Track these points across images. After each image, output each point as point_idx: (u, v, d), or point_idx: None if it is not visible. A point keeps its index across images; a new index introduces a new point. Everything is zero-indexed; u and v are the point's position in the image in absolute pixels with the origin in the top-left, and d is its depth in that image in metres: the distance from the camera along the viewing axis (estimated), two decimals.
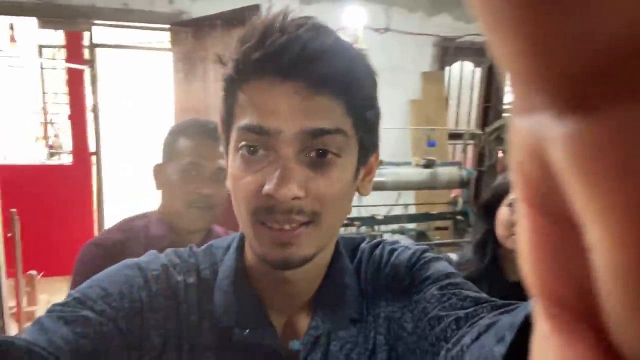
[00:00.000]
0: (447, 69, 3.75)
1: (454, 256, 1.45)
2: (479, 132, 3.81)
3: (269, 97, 0.44)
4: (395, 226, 2.91)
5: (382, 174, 2.56)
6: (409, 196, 3.23)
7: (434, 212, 2.99)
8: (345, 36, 0.51)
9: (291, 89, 0.43)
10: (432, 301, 0.49)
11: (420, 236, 2.85)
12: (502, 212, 1.18)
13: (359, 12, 2.99)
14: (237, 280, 0.51)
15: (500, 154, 3.57)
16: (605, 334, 0.08)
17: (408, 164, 2.70)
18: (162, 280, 0.50)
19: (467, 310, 0.45)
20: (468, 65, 3.83)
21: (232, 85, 0.47)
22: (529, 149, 0.09)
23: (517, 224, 0.10)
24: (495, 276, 1.22)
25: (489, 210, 1.23)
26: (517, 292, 0.55)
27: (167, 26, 2.95)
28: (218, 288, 0.52)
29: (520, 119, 0.09)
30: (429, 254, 0.56)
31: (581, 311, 0.09)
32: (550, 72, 0.07)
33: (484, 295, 0.48)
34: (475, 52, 3.71)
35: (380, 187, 2.60)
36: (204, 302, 0.51)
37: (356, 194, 0.53)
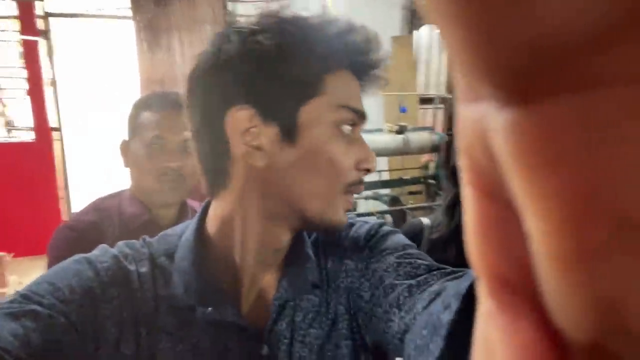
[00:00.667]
0: (415, 32, 3.73)
1: (426, 220, 1.48)
2: (448, 96, 3.84)
3: (356, 87, 0.54)
4: (369, 192, 2.95)
5: None
6: (382, 162, 3.26)
7: (407, 177, 3.04)
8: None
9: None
10: (388, 270, 0.51)
11: (394, 201, 2.90)
12: None
13: None
14: (197, 260, 0.51)
15: None
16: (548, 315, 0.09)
17: (380, 130, 2.71)
18: (114, 270, 0.50)
19: (419, 278, 0.47)
20: (436, 28, 3.82)
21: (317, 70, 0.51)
22: (475, 136, 0.09)
23: (464, 205, 0.10)
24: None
25: (457, 172, 1.25)
26: None
27: None
28: (176, 271, 0.52)
29: (466, 106, 0.09)
30: (387, 228, 0.59)
31: (525, 293, 0.09)
32: (493, 64, 0.08)
33: (435, 263, 0.51)
34: None
35: None
36: (160, 288, 0.51)
37: None
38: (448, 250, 1.20)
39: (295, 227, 0.53)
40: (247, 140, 0.49)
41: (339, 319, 0.54)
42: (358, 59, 0.53)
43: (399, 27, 3.58)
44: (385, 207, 2.77)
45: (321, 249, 0.58)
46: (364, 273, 0.54)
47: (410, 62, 3.56)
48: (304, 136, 0.49)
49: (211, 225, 0.53)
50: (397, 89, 3.40)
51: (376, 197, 3.03)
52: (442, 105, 3.97)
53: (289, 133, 0.49)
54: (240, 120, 0.48)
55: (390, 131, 2.64)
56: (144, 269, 0.52)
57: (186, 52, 2.70)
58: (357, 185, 0.51)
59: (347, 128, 0.51)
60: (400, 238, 0.56)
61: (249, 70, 0.48)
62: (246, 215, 0.51)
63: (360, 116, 0.52)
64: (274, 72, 0.48)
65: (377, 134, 2.66)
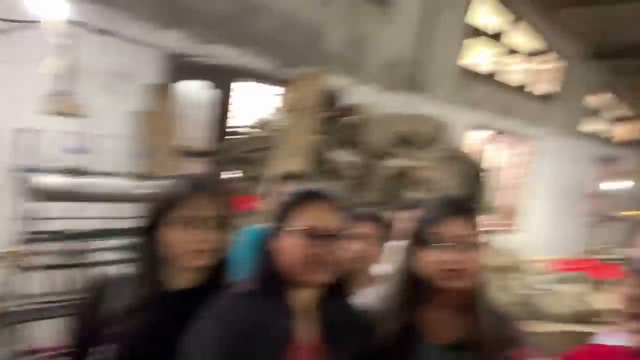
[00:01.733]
0: (178, 84, 3.74)
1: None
2: (210, 150, 3.90)
3: None
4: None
5: (98, 185, 2.36)
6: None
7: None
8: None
9: None
10: None
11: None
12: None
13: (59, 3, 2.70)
14: None
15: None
16: None
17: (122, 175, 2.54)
18: None
19: None
20: (200, 84, 3.91)
21: None
22: None
23: None
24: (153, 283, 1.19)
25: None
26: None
27: None
28: None
29: None
30: None
31: None
32: None
33: None
34: (207, 72, 3.81)
35: (97, 198, 2.38)
36: None
37: None
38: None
39: None
40: None
41: None
42: None
43: (158, 76, 3.54)
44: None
45: None
46: None
47: (170, 111, 3.51)
48: None
49: None
50: (150, 136, 3.28)
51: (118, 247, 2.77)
52: (205, 158, 4.00)
53: None
54: None
55: (132, 177, 2.50)
56: None
57: None
58: None
59: None
60: None
61: None
62: None
63: None
64: None
65: (119, 178, 2.48)
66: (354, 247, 1.70)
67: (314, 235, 1.05)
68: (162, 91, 3.46)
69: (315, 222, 1.06)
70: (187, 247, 1.13)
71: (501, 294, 4.02)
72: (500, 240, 5.16)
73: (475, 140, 6.65)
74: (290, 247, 1.05)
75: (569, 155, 8.16)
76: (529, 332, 3.46)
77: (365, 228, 1.73)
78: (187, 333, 1.04)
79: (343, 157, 3.47)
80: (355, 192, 3.61)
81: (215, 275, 1.20)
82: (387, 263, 2.04)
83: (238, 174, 3.51)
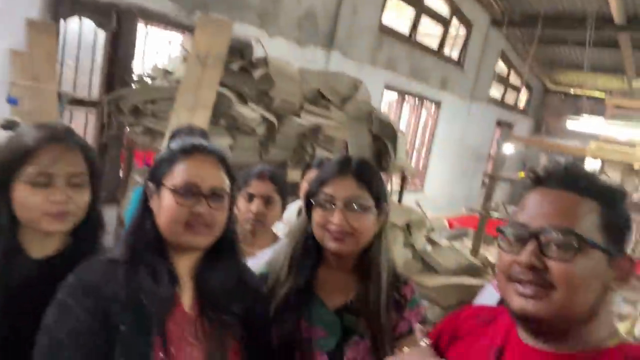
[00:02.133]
0: (62, 21, 3.26)
1: None
2: (100, 99, 3.51)
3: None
4: None
5: None
6: None
7: None
8: None
9: None
10: None
11: None
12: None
13: None
14: None
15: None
16: None
17: None
18: None
19: None
20: (89, 24, 3.45)
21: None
22: None
23: None
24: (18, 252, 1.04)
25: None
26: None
27: None
28: None
29: None
30: None
31: None
32: None
33: None
34: (97, 11, 3.36)
35: None
36: None
37: None
38: None
39: None
40: None
41: None
42: None
43: (37, 11, 3.05)
44: None
45: None
46: None
47: (50, 53, 3.06)
48: None
49: None
50: (30, 79, 2.85)
51: None
52: (94, 109, 3.60)
53: None
54: None
55: None
56: None
57: None
58: None
59: None
60: None
61: None
62: None
63: None
64: None
65: None
66: (253, 207, 1.62)
67: (189, 193, 0.95)
68: (43, 28, 3.00)
69: (192, 179, 0.96)
70: (41, 208, 0.99)
71: (406, 250, 4.20)
72: (406, 199, 5.36)
73: (387, 101, 6.74)
74: (165, 206, 0.96)
75: (472, 118, 8.62)
76: (425, 286, 3.68)
77: (265, 187, 1.65)
78: (49, 307, 0.90)
79: (251, 112, 3.29)
80: (264, 149, 3.47)
81: (83, 241, 1.08)
82: (288, 223, 1.98)
83: (133, 126, 3.19)
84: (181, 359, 0.92)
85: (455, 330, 0.92)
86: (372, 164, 1.24)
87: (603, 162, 8.53)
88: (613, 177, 7.78)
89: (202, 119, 2.97)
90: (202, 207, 0.95)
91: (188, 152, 0.99)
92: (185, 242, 0.96)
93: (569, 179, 0.76)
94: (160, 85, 3.34)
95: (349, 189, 1.13)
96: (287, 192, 1.75)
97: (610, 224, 0.73)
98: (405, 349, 0.91)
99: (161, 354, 0.90)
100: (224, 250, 1.05)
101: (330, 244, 1.13)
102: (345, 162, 1.17)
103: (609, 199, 0.74)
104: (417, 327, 0.97)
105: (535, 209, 0.75)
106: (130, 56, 3.66)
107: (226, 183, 1.01)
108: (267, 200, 1.63)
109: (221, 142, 3.12)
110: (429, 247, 4.67)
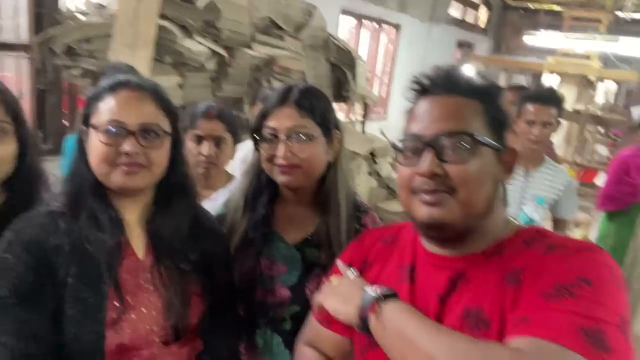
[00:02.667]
0: None
1: None
2: (29, 43, 3.21)
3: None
4: None
5: None
6: None
7: None
8: None
9: None
10: None
11: None
12: None
13: None
14: None
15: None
16: None
17: None
18: None
19: None
20: None
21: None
22: None
23: None
24: None
25: None
26: None
27: None
28: None
29: None
30: None
31: None
32: None
33: None
34: None
35: None
36: None
37: None
38: None
39: None
40: None
41: None
42: None
43: None
44: None
45: None
46: None
47: None
48: None
49: None
50: None
51: None
52: (25, 53, 3.30)
53: None
54: None
55: None
56: None
57: None
58: None
59: None
60: None
61: None
62: None
63: None
64: None
65: None
66: (204, 150, 1.54)
67: (115, 131, 0.89)
68: None
69: (116, 116, 0.89)
70: None
71: (371, 178, 4.22)
72: (370, 127, 5.33)
73: (343, 27, 6.49)
74: (92, 147, 0.91)
75: (433, 41, 8.48)
76: (392, 212, 3.75)
77: (214, 127, 1.56)
78: None
79: (198, 46, 3.08)
80: (216, 86, 3.30)
81: (17, 195, 1.02)
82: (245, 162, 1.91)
83: (70, 69, 2.95)
84: (139, 307, 0.91)
85: (364, 257, 0.92)
86: (317, 90, 1.17)
87: (561, 76, 8.63)
88: (570, 90, 7.93)
89: (144, 56, 2.76)
90: (128, 145, 0.88)
91: (113, 88, 0.92)
92: (117, 184, 0.90)
93: (452, 83, 0.77)
94: (94, 22, 3.05)
95: (291, 119, 1.08)
96: (238, 128, 1.67)
97: (493, 120, 0.76)
98: (334, 281, 0.90)
99: (116, 303, 0.87)
100: (175, 194, 1.00)
101: (279, 178, 1.09)
102: (285, 91, 1.11)
103: (490, 97, 0.77)
104: (338, 262, 0.96)
105: (426, 117, 0.76)
106: None
107: (161, 119, 0.94)
108: (217, 141, 1.55)
109: (169, 80, 2.94)
110: (394, 174, 4.72)
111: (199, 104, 1.61)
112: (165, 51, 2.98)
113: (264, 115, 1.11)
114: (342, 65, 4.32)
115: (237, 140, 1.65)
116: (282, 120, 1.08)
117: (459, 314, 0.74)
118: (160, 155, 0.94)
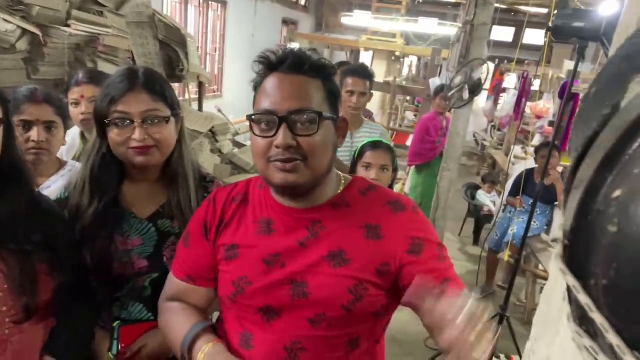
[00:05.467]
0: None
1: None
2: None
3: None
4: None
5: None
6: None
7: None
8: None
9: None
10: None
11: None
12: None
13: None
14: None
15: None
16: None
17: None
18: None
19: None
20: None
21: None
22: None
23: None
24: None
25: None
26: None
27: None
28: None
29: None
30: None
31: None
32: None
33: None
34: None
35: None
36: None
37: None
38: None
39: None
40: None
41: None
42: None
43: None
44: None
45: None
46: None
47: None
48: None
49: None
50: None
51: None
52: None
53: None
54: None
55: None
56: None
57: None
58: None
59: None
60: None
61: None
62: None
63: None
64: None
65: None
66: (34, 136, 1.45)
67: None
68: None
69: None
70: None
71: (214, 156, 4.30)
72: (206, 106, 5.34)
73: (167, 4, 6.26)
74: None
75: (260, 18, 8.68)
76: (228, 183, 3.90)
77: (43, 112, 1.46)
78: None
79: (5, 24, 2.74)
80: (32, 68, 2.98)
81: None
82: (72, 147, 1.86)
83: None
84: None
85: (220, 218, 1.01)
86: (157, 72, 1.22)
87: (373, 52, 9.69)
88: (381, 64, 8.98)
89: None
90: None
91: None
92: None
93: (298, 64, 0.88)
94: None
95: (144, 103, 1.12)
96: (67, 112, 1.61)
97: (330, 94, 0.91)
98: None
99: None
100: (9, 178, 0.99)
101: (137, 159, 1.14)
102: (132, 76, 1.14)
103: (327, 75, 0.91)
104: (193, 224, 1.06)
105: (277, 94, 0.87)
106: None
107: None
108: (48, 126, 1.46)
109: None
110: (236, 150, 4.86)
111: (19, 88, 1.49)
112: None
113: (111, 101, 1.12)
114: (171, 44, 4.23)
115: (66, 124, 1.59)
116: (134, 105, 1.11)
117: (323, 254, 0.90)
118: None
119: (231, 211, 1.00)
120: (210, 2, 7.36)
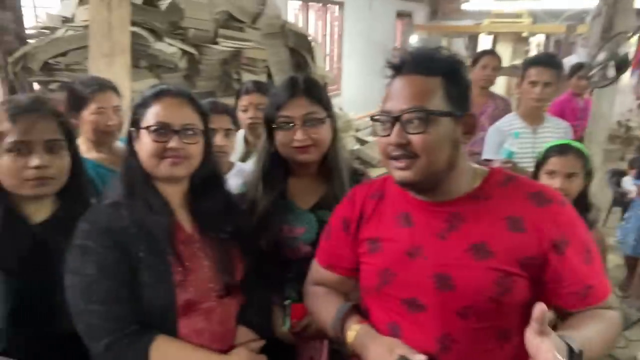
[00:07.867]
0: None
1: None
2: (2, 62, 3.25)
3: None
4: None
5: None
6: None
7: None
8: None
9: None
10: None
11: None
12: None
13: None
14: None
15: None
16: None
17: None
18: None
19: None
20: None
21: None
22: None
23: None
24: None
25: None
26: None
27: None
28: None
29: None
30: None
31: None
32: None
33: None
34: None
35: None
36: None
37: None
38: None
39: None
40: None
41: None
42: None
43: None
44: None
45: None
46: None
47: None
48: None
49: None
50: None
51: None
52: None
53: None
54: None
55: None
56: None
57: None
58: None
59: None
60: None
61: None
62: None
63: None
64: None
65: None
66: (218, 141, 1.70)
67: (163, 130, 1.07)
68: None
69: (164, 118, 1.08)
70: (21, 175, 1.09)
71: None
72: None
73: (292, 11, 6.66)
74: (144, 145, 1.08)
75: (374, 14, 8.75)
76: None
77: (223, 121, 1.73)
78: (69, 254, 1.03)
79: (169, 47, 3.23)
80: (190, 83, 3.47)
81: (74, 201, 1.19)
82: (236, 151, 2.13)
83: (46, 85, 3.03)
84: (196, 270, 1.10)
85: (360, 214, 1.05)
86: (315, 79, 1.38)
87: (495, 36, 9.18)
88: (505, 47, 8.48)
89: (122, 64, 2.90)
90: (174, 142, 1.07)
91: (158, 95, 1.11)
92: (164, 174, 1.09)
93: (416, 64, 0.90)
94: (69, 35, 3.13)
95: (304, 107, 1.28)
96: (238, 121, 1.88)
97: (452, 91, 0.89)
98: None
99: (180, 268, 1.06)
100: (208, 180, 1.18)
101: (299, 157, 1.31)
102: (293, 84, 1.31)
103: (450, 72, 0.90)
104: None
105: (395, 95, 0.90)
106: (17, 8, 3.34)
107: (197, 119, 1.12)
108: (226, 133, 1.73)
109: (147, 84, 3.09)
110: (357, 146, 5.04)
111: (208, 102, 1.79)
112: (139, 56, 3.12)
113: (277, 107, 1.29)
114: (299, 50, 4.53)
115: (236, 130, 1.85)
116: (296, 109, 1.27)
117: (465, 248, 0.90)
118: (198, 148, 1.12)
119: (371, 207, 1.05)
120: (328, 5, 7.65)
